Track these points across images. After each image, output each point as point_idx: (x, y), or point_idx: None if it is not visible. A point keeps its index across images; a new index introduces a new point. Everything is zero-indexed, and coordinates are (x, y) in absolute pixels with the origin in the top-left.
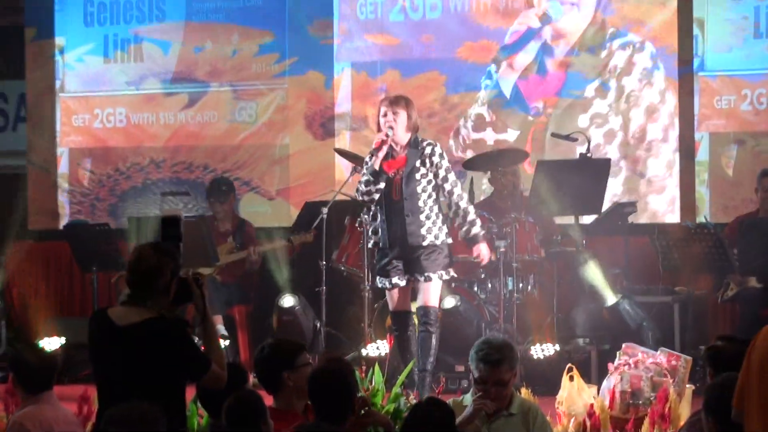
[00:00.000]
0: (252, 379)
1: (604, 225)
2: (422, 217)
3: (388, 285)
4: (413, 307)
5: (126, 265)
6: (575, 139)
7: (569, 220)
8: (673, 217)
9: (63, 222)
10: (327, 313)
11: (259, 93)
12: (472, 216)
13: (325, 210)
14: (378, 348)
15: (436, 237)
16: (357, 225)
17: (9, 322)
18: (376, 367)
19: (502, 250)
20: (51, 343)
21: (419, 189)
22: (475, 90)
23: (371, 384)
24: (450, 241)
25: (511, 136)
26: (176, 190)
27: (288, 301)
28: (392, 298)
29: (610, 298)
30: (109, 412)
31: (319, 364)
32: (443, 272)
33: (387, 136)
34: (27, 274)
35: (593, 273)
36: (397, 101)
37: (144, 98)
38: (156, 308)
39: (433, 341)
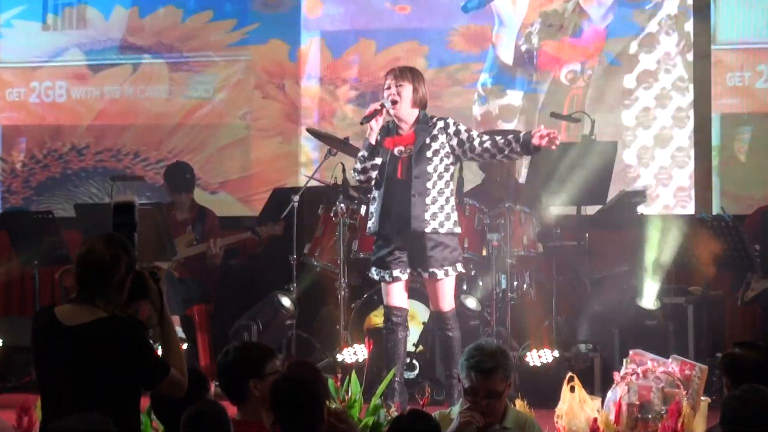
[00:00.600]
0: (214, 387)
1: (610, 216)
2: (428, 200)
3: (387, 278)
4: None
5: (73, 258)
6: (578, 120)
7: (571, 210)
8: (688, 208)
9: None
10: (298, 315)
11: (212, 64)
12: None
13: (296, 198)
14: (355, 353)
15: (441, 224)
16: (332, 215)
17: None
18: (353, 375)
19: (495, 244)
20: None
21: (430, 168)
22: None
23: (347, 394)
24: (459, 231)
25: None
26: (128, 175)
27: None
28: (389, 292)
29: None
30: (53, 425)
31: (282, 371)
32: (450, 267)
33: (382, 106)
34: None
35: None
36: (402, 73)
37: (83, 70)
38: (108, 306)
39: (455, 344)
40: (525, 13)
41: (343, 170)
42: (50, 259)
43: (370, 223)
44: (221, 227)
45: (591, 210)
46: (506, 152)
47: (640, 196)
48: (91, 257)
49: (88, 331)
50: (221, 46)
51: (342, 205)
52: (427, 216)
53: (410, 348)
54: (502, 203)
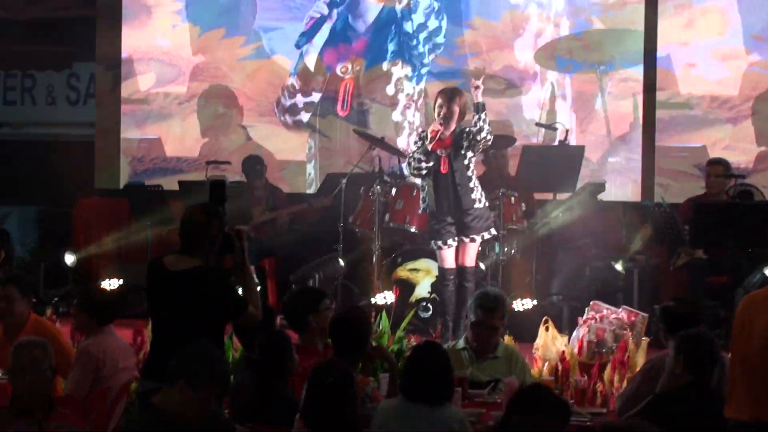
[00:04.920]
0: (279, 320)
1: (577, 202)
2: (471, 185)
3: (443, 245)
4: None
5: (177, 221)
6: (556, 129)
7: (548, 196)
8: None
9: (123, 182)
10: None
11: None
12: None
13: (344, 181)
14: (385, 298)
15: (480, 201)
16: (370, 194)
17: (76, 266)
18: (383, 314)
19: (492, 219)
20: (111, 285)
21: (466, 162)
22: None
23: (379, 328)
24: (486, 204)
25: None
26: (219, 160)
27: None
28: (443, 257)
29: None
30: (182, 351)
31: (341, 311)
32: (486, 233)
33: (441, 125)
34: (92, 226)
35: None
36: (452, 98)
37: None
38: (203, 258)
39: (469, 293)
40: None
41: (379, 161)
42: (159, 221)
43: (424, 205)
44: (287, 200)
45: (563, 196)
46: (479, 124)
47: (600, 187)
48: (191, 220)
49: (188, 276)
50: None
51: (378, 187)
52: (474, 196)
53: (426, 295)
54: (497, 190)
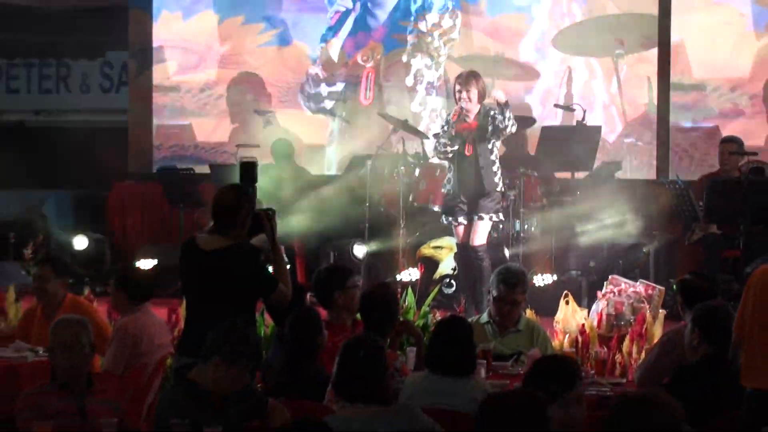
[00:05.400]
0: (309, 297)
1: (594, 180)
2: (494, 168)
3: (453, 222)
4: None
5: (207, 204)
6: (573, 110)
7: (566, 175)
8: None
9: (156, 167)
10: (368, 246)
11: None
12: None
13: (369, 162)
14: (410, 274)
15: (499, 186)
16: (394, 175)
17: (112, 246)
18: (409, 290)
19: (512, 198)
20: (146, 264)
21: (489, 146)
22: None
23: (405, 304)
24: (503, 190)
25: None
26: (249, 143)
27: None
28: (457, 233)
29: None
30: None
31: (370, 288)
32: (493, 214)
33: (461, 108)
34: (126, 209)
35: None
36: (468, 80)
37: None
38: (235, 237)
39: (485, 271)
40: None
41: (403, 143)
42: (191, 204)
43: (449, 185)
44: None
45: (580, 175)
46: (505, 122)
47: (616, 165)
48: (222, 200)
49: (220, 255)
50: None
51: (402, 168)
52: (496, 179)
53: (449, 271)
54: (517, 169)
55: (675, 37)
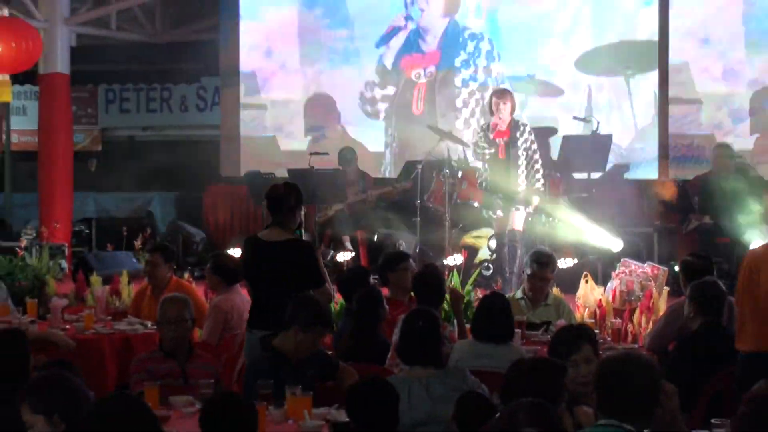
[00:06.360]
0: (372, 279)
1: (607, 179)
2: (519, 171)
3: (492, 214)
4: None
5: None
6: (590, 121)
7: (583, 175)
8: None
9: (243, 172)
10: (420, 236)
11: None
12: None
13: (419, 166)
14: (455, 260)
15: (524, 183)
16: (441, 177)
17: (207, 238)
18: (454, 273)
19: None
20: (235, 253)
21: (519, 153)
22: None
23: (450, 284)
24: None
25: None
26: (320, 152)
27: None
28: (495, 224)
29: None
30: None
31: (421, 270)
32: (522, 206)
33: (500, 119)
34: (219, 207)
35: None
36: (504, 95)
37: None
38: (288, 227)
39: (518, 252)
40: None
41: (448, 150)
42: None
43: (486, 184)
44: (375, 183)
45: (595, 175)
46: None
47: (625, 167)
48: (272, 191)
49: (279, 246)
50: None
51: (447, 170)
52: (519, 181)
53: (487, 257)
54: (543, 170)
55: (674, 58)
